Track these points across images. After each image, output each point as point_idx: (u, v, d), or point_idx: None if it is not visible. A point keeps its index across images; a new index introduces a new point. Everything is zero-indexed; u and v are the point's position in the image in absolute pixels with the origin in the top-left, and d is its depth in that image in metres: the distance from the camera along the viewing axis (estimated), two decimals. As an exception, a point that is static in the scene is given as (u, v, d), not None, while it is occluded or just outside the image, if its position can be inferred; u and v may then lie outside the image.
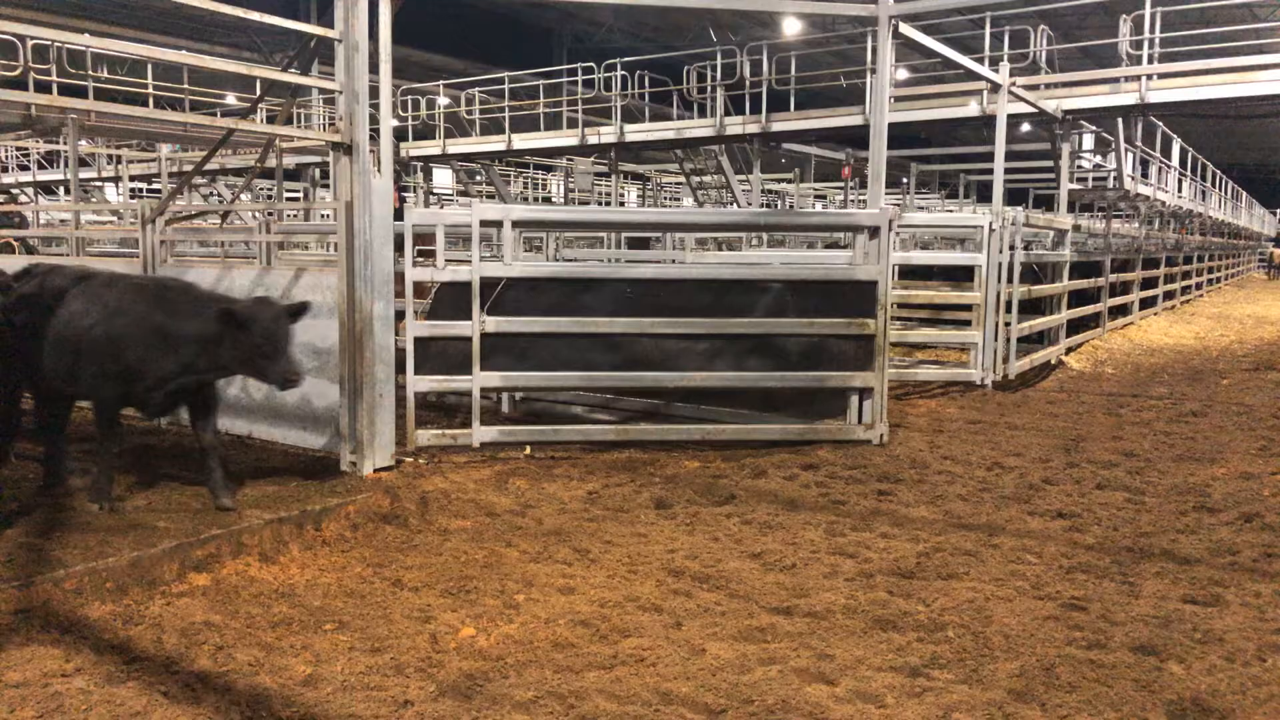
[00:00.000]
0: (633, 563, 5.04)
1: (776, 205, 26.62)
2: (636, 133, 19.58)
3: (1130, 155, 17.57)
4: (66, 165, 16.89)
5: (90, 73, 15.18)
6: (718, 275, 8.16)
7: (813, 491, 6.48)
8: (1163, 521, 5.85)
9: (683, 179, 22.66)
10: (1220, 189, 31.46)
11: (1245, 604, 4.53)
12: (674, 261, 12.06)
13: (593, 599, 4.52)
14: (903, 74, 19.11)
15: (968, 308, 10.83)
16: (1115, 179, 17.46)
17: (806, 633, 4.17)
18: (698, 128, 18.76)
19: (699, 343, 7.53)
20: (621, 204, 24.28)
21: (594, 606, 4.43)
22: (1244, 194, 38.95)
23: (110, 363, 5.32)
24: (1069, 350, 13.33)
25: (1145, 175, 20.14)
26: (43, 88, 12.85)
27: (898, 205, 16.69)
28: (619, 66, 19.63)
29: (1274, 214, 51.48)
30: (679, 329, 7.42)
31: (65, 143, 16.07)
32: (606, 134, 19.65)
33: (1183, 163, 23.74)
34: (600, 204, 25.95)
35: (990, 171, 12.06)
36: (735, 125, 17.99)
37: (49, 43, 12.72)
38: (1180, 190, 24.27)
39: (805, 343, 7.69)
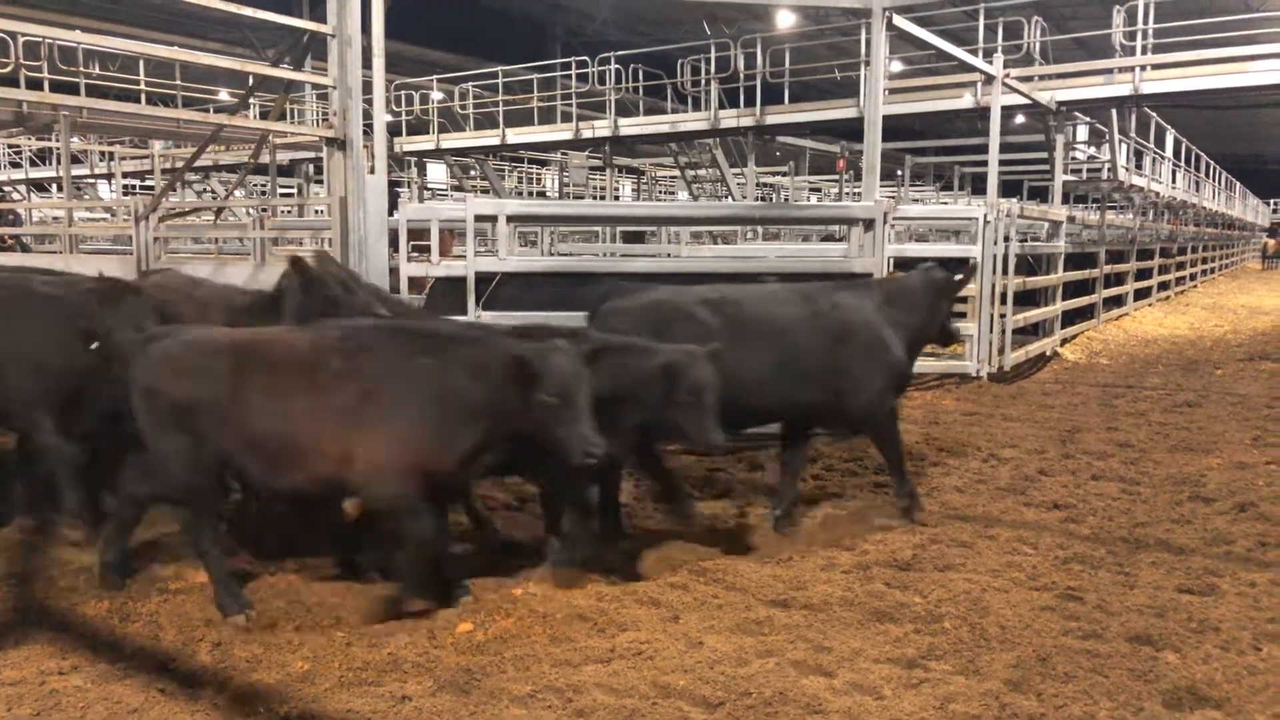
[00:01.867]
0: (629, 556, 5.04)
1: (771, 199, 26.58)
2: (631, 126, 19.53)
3: (1124, 146, 17.57)
4: (59, 162, 16.77)
5: (82, 69, 15.07)
6: (713, 269, 8.15)
7: (809, 484, 6.48)
8: (1158, 512, 5.87)
9: (677, 173, 22.62)
10: (1214, 180, 31.45)
11: (1240, 593, 4.55)
12: (669, 255, 12.05)
13: (589, 592, 4.52)
14: (897, 66, 19.03)
15: (963, 300, 10.83)
16: (1109, 170, 17.45)
17: (804, 625, 4.18)
18: (692, 121, 18.70)
19: (694, 336, 7.50)
20: (616, 198, 24.20)
21: (591, 600, 4.43)
22: (1237, 185, 38.95)
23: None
24: (1064, 341, 13.35)
25: (1139, 166, 20.14)
26: (34, 84, 12.75)
27: (892, 198, 16.66)
28: (613, 60, 19.57)
29: (1268, 204, 51.53)
30: (674, 322, 7.38)
31: (57, 140, 15.99)
32: (601, 128, 19.58)
33: (1176, 154, 23.74)
34: (595, 198, 25.89)
35: (985, 164, 12.07)
36: (729, 118, 17.94)
37: (40, 39, 12.64)
38: (1174, 181, 24.28)
39: (801, 336, 7.67)
